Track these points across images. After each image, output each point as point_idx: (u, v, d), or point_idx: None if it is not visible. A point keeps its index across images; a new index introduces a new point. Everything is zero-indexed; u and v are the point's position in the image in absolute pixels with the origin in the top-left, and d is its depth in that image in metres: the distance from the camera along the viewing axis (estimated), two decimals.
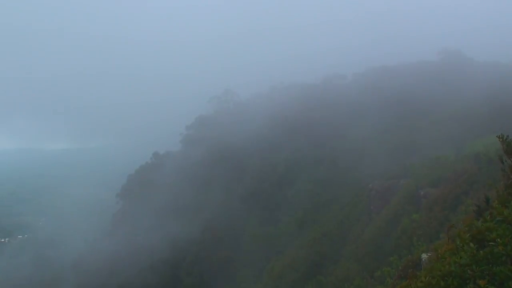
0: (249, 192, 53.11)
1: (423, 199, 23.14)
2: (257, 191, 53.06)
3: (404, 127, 46.75)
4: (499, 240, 3.95)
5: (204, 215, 52.25)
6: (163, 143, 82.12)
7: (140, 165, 78.13)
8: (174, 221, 52.69)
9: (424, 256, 11.36)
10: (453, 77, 57.01)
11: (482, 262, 3.83)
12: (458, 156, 27.36)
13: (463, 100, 47.41)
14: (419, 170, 30.04)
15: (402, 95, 56.50)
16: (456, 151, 29.84)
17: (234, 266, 45.18)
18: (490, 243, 4.01)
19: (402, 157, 38.80)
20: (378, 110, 56.91)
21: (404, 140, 43.03)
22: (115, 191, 76.95)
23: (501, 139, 6.66)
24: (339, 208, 37.92)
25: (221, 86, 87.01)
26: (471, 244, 4.23)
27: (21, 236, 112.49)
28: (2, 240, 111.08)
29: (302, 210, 45.71)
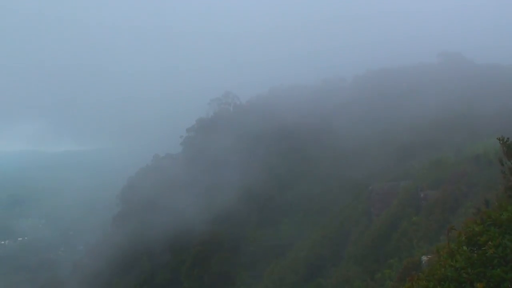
0: (249, 194, 53.05)
1: (423, 201, 23.09)
2: (257, 193, 53.00)
3: (404, 128, 46.73)
4: (490, 242, 3.94)
5: (204, 216, 52.18)
6: (164, 145, 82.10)
7: (141, 167, 78.10)
8: (172, 224, 52.63)
9: (424, 258, 11.33)
10: (453, 78, 57.03)
11: (477, 265, 3.82)
12: (458, 158, 27.33)
13: (462, 101, 47.41)
14: (419, 172, 30.01)
15: (402, 96, 56.52)
16: (456, 153, 29.83)
17: (234, 269, 45.10)
18: (483, 247, 3.99)
19: (402, 158, 38.79)
20: (378, 111, 56.93)
21: (404, 141, 43.02)
22: (116, 193, 76.88)
23: (501, 141, 6.65)
24: (340, 210, 37.87)
25: (221, 88, 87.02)
26: (464, 247, 4.23)
27: (21, 238, 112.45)
28: (2, 242, 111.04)
29: (302, 212, 45.66)
